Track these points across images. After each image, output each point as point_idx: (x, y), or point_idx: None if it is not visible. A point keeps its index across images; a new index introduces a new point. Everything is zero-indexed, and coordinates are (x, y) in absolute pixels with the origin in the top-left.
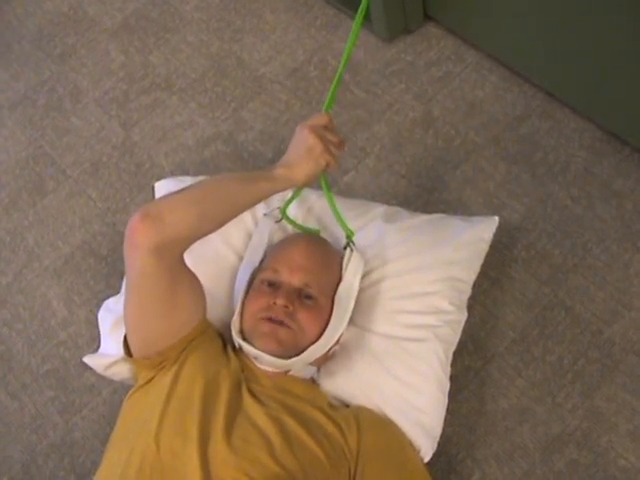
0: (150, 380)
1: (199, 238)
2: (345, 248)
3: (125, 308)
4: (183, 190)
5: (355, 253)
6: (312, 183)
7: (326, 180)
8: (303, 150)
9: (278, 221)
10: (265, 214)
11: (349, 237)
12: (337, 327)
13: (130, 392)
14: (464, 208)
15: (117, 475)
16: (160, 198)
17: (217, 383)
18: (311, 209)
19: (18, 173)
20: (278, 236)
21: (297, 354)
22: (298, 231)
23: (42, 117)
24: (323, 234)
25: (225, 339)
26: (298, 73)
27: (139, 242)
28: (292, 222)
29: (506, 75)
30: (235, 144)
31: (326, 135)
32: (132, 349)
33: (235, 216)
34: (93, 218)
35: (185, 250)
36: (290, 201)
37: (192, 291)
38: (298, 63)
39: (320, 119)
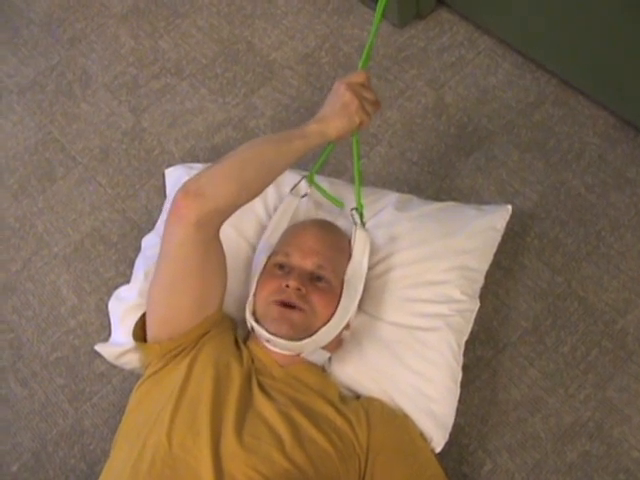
0: (159, 370)
1: (240, 206)
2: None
3: (153, 283)
4: (220, 162)
5: (360, 229)
6: (345, 139)
7: (357, 139)
8: (338, 106)
9: (304, 195)
10: (290, 191)
11: (358, 210)
12: (348, 307)
13: (139, 382)
14: (476, 196)
15: (128, 469)
16: (199, 173)
17: (229, 378)
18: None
19: (27, 159)
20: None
21: (309, 336)
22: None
23: (51, 103)
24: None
25: (236, 330)
26: (309, 59)
27: (183, 215)
28: (319, 188)
29: (519, 61)
30: (246, 130)
31: (362, 92)
32: (148, 330)
33: (273, 179)
34: (103, 205)
35: (225, 220)
36: (318, 167)
37: (219, 270)
38: (310, 49)
39: (357, 76)
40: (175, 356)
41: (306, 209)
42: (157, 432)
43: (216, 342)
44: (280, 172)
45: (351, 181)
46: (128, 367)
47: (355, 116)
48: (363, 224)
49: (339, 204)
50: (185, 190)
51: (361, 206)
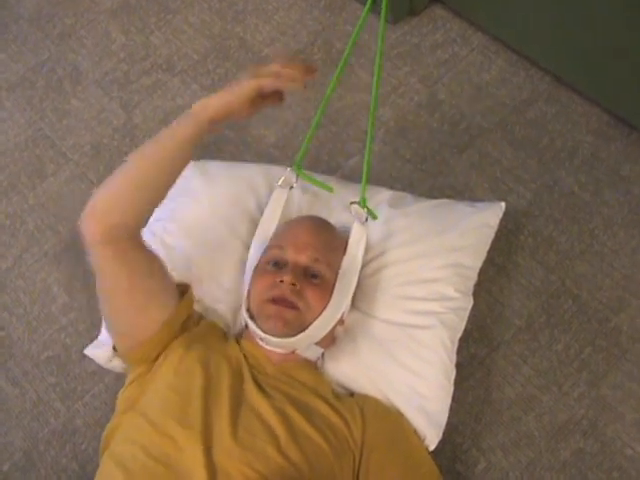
0: (141, 374)
1: (143, 213)
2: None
3: (101, 309)
4: (113, 175)
5: (357, 223)
6: (236, 108)
7: (372, 134)
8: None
9: (292, 187)
10: (279, 185)
11: (360, 204)
12: (341, 300)
13: (122, 389)
14: (470, 193)
15: (121, 468)
16: (95, 193)
17: (219, 375)
18: (317, 194)
19: (17, 156)
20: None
21: (302, 331)
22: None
23: (41, 99)
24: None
25: (227, 327)
26: (301, 55)
27: (87, 239)
28: (306, 176)
29: (513, 58)
30: (238, 127)
31: (262, 69)
32: (116, 346)
33: (170, 175)
34: None
35: (136, 230)
36: (302, 156)
37: (151, 277)
38: (302, 45)
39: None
40: (155, 360)
41: (299, 202)
42: (148, 431)
43: (201, 339)
44: (171, 167)
45: (343, 178)
46: (119, 370)
47: (236, 85)
48: (374, 217)
49: (328, 189)
50: (84, 215)
51: (364, 200)
